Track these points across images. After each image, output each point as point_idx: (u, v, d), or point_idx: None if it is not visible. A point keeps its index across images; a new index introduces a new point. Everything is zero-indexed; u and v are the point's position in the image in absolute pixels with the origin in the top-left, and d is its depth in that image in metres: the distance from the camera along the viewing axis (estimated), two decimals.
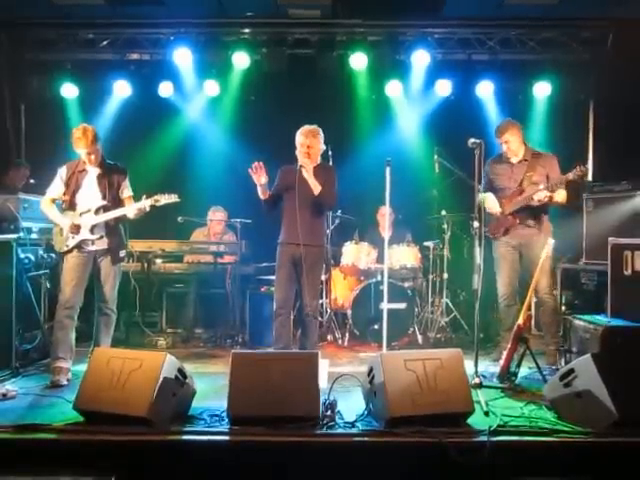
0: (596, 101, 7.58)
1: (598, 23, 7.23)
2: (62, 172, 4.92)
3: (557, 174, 5.20)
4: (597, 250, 5.96)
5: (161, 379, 3.53)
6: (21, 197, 5.51)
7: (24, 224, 5.38)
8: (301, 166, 4.90)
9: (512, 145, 5.31)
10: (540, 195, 5.06)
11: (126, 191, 5.02)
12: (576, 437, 3.43)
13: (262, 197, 5.03)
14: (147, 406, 3.44)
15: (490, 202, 5.32)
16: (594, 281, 6.16)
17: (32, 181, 6.75)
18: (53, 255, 5.38)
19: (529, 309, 4.74)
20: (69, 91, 7.65)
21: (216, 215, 7.16)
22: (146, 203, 4.88)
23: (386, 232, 5.88)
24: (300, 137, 5.03)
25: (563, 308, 6.29)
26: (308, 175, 4.91)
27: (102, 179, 4.92)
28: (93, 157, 4.84)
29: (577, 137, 7.55)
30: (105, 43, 7.59)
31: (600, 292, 5.77)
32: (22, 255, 5.12)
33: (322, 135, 5.09)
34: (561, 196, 5.15)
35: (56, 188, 4.93)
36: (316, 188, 4.94)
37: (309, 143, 4.99)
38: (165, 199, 4.94)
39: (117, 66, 7.67)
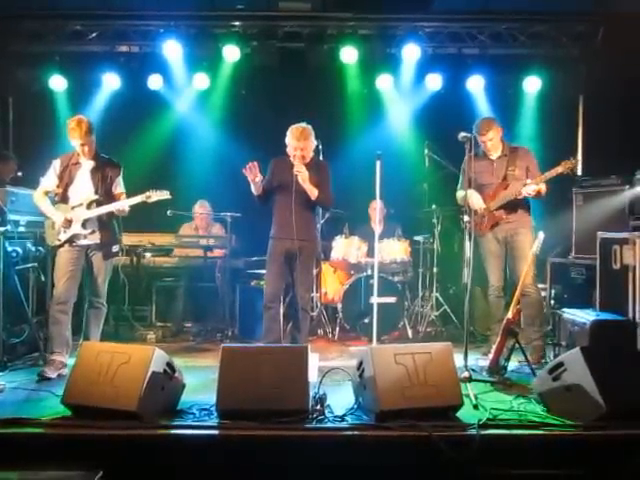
0: (586, 96, 7.59)
1: (588, 18, 7.24)
2: (56, 164, 4.88)
3: (535, 166, 5.25)
4: (586, 244, 5.97)
5: (150, 373, 3.52)
6: (9, 190, 5.46)
7: (11, 217, 5.33)
8: (296, 174, 4.87)
9: (495, 142, 5.32)
10: (529, 189, 5.06)
11: (119, 188, 4.99)
12: (565, 430, 3.44)
13: (255, 193, 5.01)
14: (136, 400, 3.43)
15: (474, 199, 5.29)
16: (583, 275, 6.18)
17: (20, 174, 6.67)
18: (41, 248, 5.35)
19: (518, 303, 4.75)
20: (57, 83, 7.57)
21: (201, 209, 7.13)
22: (138, 199, 4.86)
23: (376, 226, 5.88)
24: (292, 141, 4.97)
25: (552, 302, 6.32)
26: (303, 182, 4.87)
27: (96, 173, 4.88)
28: (87, 148, 4.80)
29: (566, 132, 7.56)
30: (94, 35, 7.50)
31: (589, 286, 5.79)
32: (9, 248, 5.07)
33: (313, 132, 5.06)
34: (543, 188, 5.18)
35: (49, 180, 4.89)
36: (313, 193, 4.93)
37: (302, 146, 4.96)
38: (157, 195, 4.92)
39: (106, 58, 7.58)
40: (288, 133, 5.02)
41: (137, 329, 6.40)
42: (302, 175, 4.85)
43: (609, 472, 3.27)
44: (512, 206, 5.25)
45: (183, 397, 3.85)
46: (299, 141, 4.95)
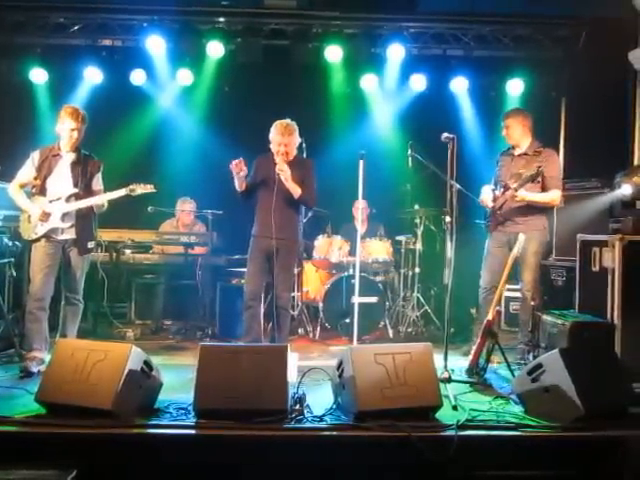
0: (568, 99, 7.64)
1: (571, 22, 7.29)
2: (35, 155, 4.79)
3: (554, 172, 5.12)
4: (567, 246, 6.02)
5: (126, 371, 3.47)
6: None
7: None
8: (278, 174, 4.83)
9: (511, 131, 5.24)
10: (509, 194, 5.03)
11: (98, 184, 4.91)
12: (542, 431, 3.45)
13: (239, 189, 4.97)
14: (111, 398, 3.38)
15: (483, 195, 5.24)
16: (563, 277, 6.22)
17: None
18: (18, 243, 5.26)
19: (498, 304, 4.75)
20: (38, 76, 7.47)
21: (185, 206, 7.09)
22: (121, 193, 4.79)
23: (359, 226, 5.87)
24: (277, 136, 4.95)
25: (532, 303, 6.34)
26: (286, 181, 4.85)
27: (76, 166, 4.80)
28: (76, 135, 4.71)
29: (548, 135, 7.57)
30: (77, 28, 7.41)
31: (569, 288, 5.82)
32: None
33: (297, 129, 5.03)
34: (537, 196, 5.06)
35: (26, 172, 4.79)
36: (295, 192, 4.91)
37: (286, 142, 4.93)
38: (141, 189, 4.85)
39: (88, 52, 7.50)
40: (272, 129, 4.99)
41: (116, 326, 6.32)
42: (284, 174, 4.82)
43: (586, 473, 3.29)
44: (517, 209, 5.15)
45: (160, 396, 3.80)
46: (283, 136, 4.92)
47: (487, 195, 5.26)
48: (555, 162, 5.22)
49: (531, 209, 5.15)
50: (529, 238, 4.93)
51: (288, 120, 5.01)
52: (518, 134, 5.24)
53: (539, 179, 5.05)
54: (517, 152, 5.30)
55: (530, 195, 5.05)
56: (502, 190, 5.19)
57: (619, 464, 3.25)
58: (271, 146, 5.00)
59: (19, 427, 3.37)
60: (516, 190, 4.96)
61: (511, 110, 5.43)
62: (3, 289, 5.29)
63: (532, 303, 5.21)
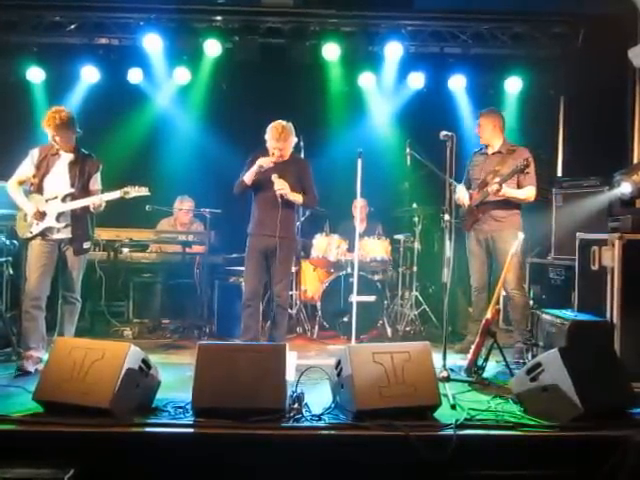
0: (566, 97, 7.64)
1: (569, 19, 7.28)
2: (34, 153, 4.78)
3: (529, 168, 5.17)
4: (565, 245, 6.01)
5: (124, 370, 3.45)
6: None
7: None
8: (280, 194, 4.82)
9: (483, 131, 5.36)
10: (493, 188, 5.07)
11: (96, 184, 4.89)
12: (541, 431, 3.44)
13: (247, 182, 4.94)
14: (109, 397, 3.36)
15: (459, 193, 5.33)
16: (562, 276, 6.21)
17: None
18: (16, 242, 5.24)
19: (497, 303, 4.75)
20: (35, 75, 7.46)
21: (184, 205, 7.07)
22: (115, 195, 4.77)
23: (357, 224, 5.86)
24: (272, 141, 4.91)
25: (531, 303, 6.34)
26: (286, 195, 4.83)
27: (74, 166, 4.78)
28: (59, 139, 4.69)
29: (547, 133, 7.61)
30: (73, 27, 7.39)
31: (568, 287, 5.82)
32: None
33: (293, 130, 4.99)
34: (517, 192, 5.15)
35: (25, 169, 4.78)
36: (297, 201, 4.93)
37: (281, 147, 4.90)
38: (135, 191, 4.82)
39: (85, 51, 7.49)
40: (268, 131, 4.95)
41: (113, 325, 6.32)
42: (284, 192, 4.82)
43: (586, 473, 3.27)
44: (496, 205, 5.23)
45: (158, 394, 3.79)
46: (278, 142, 4.89)
47: (463, 193, 5.33)
48: (529, 158, 5.25)
49: (508, 206, 5.25)
50: (507, 237, 5.00)
51: (284, 122, 4.94)
52: (488, 133, 5.37)
53: (514, 176, 5.15)
54: (490, 151, 5.41)
55: (511, 191, 5.15)
56: (478, 188, 5.27)
57: (618, 463, 3.23)
58: (267, 144, 4.98)
59: (17, 426, 3.35)
60: (500, 185, 5.04)
61: (485, 110, 5.49)
62: (1, 288, 5.27)
63: (521, 301, 5.23)
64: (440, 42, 7.59)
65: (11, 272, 5.35)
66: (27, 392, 3.76)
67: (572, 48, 7.32)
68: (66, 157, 4.78)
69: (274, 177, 4.83)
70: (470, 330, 5.44)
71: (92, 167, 4.87)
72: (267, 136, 4.96)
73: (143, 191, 4.88)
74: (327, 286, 6.41)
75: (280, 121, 4.95)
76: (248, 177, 4.91)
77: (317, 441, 3.38)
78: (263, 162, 4.85)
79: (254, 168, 4.86)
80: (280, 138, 4.89)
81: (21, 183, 4.82)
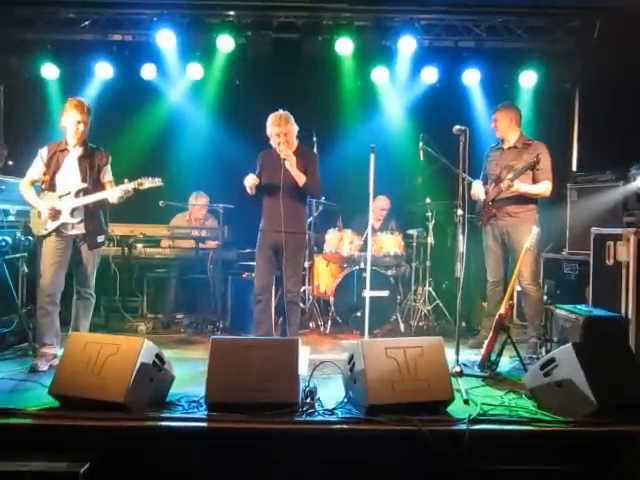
0: (581, 91, 7.57)
1: (585, 12, 7.19)
2: (43, 152, 4.80)
3: (545, 163, 5.13)
4: (580, 240, 5.97)
5: (138, 364, 3.48)
6: None
7: (1, 206, 5.30)
8: (284, 159, 4.83)
9: (499, 125, 5.33)
10: (505, 184, 5.05)
11: (106, 176, 4.91)
12: (555, 426, 3.43)
13: (249, 192, 4.98)
14: (123, 391, 3.40)
15: (475, 189, 5.30)
16: (576, 271, 6.18)
17: (10, 162, 6.62)
18: (31, 238, 5.28)
19: (511, 298, 4.73)
20: (50, 72, 7.50)
21: (198, 200, 7.09)
22: (129, 186, 4.77)
23: (370, 219, 5.84)
24: (273, 127, 4.94)
25: (545, 298, 6.31)
26: (292, 167, 4.85)
27: (83, 160, 4.80)
28: (82, 128, 4.71)
29: (562, 126, 7.54)
30: (87, 23, 7.40)
31: (582, 282, 5.79)
32: None
33: (291, 117, 5.02)
34: (530, 188, 5.11)
35: (36, 169, 4.81)
36: (300, 179, 4.90)
37: (284, 131, 4.92)
38: (149, 182, 4.84)
39: (99, 47, 7.50)
40: (268, 122, 5.00)
41: (128, 320, 6.36)
42: (290, 160, 4.83)
43: (599, 468, 3.26)
44: (511, 201, 5.20)
45: (172, 389, 3.82)
46: (280, 126, 4.92)
47: (479, 189, 5.30)
48: (545, 154, 5.20)
49: (524, 201, 5.20)
50: (522, 232, 4.96)
51: (281, 110, 5.01)
52: (505, 127, 5.33)
53: (529, 171, 5.10)
54: (506, 146, 5.37)
55: (524, 186, 5.10)
56: (494, 183, 5.23)
57: (633, 459, 3.22)
58: (271, 141, 4.99)
59: (32, 419, 3.40)
60: (512, 180, 5.01)
61: (501, 104, 5.46)
62: (16, 284, 5.32)
63: (536, 296, 5.20)
64: (454, 36, 7.53)
65: (26, 269, 5.41)
66: (43, 386, 3.81)
67: (588, 41, 7.22)
68: (75, 152, 4.80)
69: (283, 148, 4.86)
70: (484, 325, 5.43)
71: (101, 160, 4.88)
72: (268, 129, 5.00)
73: (157, 182, 4.89)
74: (340, 281, 6.41)
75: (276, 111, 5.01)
76: (249, 189, 4.96)
77: (330, 435, 3.38)
78: (247, 182, 4.91)
79: (247, 186, 4.92)
80: (281, 122, 4.92)
81: (32, 183, 4.85)
